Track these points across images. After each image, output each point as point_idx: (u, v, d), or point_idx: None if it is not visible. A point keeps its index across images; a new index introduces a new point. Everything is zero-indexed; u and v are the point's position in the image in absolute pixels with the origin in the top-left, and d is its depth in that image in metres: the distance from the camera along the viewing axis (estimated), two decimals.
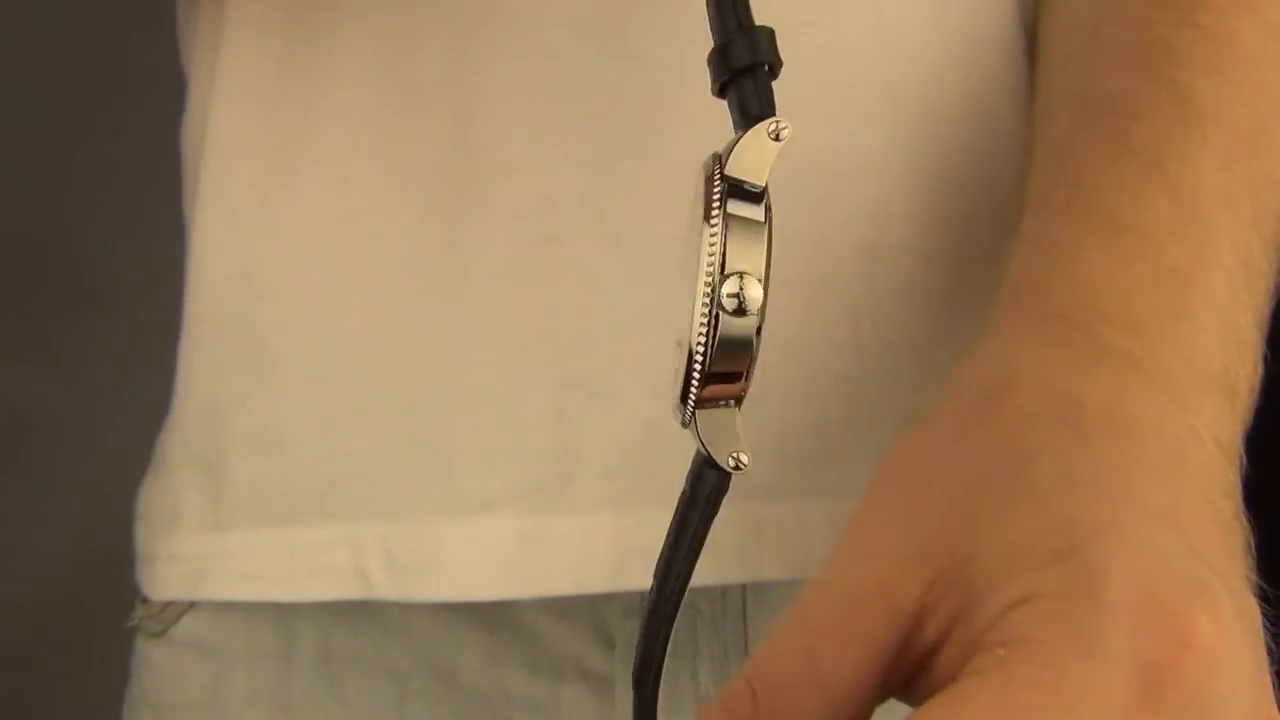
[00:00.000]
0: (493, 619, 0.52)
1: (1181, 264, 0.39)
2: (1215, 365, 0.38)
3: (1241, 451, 0.38)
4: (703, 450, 0.32)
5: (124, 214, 1.12)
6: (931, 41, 0.50)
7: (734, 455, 0.32)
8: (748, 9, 0.32)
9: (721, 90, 0.32)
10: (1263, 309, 0.41)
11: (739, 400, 0.32)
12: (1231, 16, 0.43)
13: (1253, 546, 0.35)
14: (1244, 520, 0.36)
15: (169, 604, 0.54)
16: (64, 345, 1.26)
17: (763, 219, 0.31)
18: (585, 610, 0.51)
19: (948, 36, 0.50)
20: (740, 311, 0.31)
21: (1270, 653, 0.31)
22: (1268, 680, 0.32)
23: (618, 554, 0.49)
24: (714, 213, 0.31)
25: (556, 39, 0.48)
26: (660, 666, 0.35)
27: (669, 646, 0.35)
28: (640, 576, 0.50)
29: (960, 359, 0.39)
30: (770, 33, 0.32)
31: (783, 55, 0.32)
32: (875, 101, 0.49)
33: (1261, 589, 0.33)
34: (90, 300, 1.25)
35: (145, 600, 0.55)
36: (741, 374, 0.31)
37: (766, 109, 0.31)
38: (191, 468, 0.53)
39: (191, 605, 0.54)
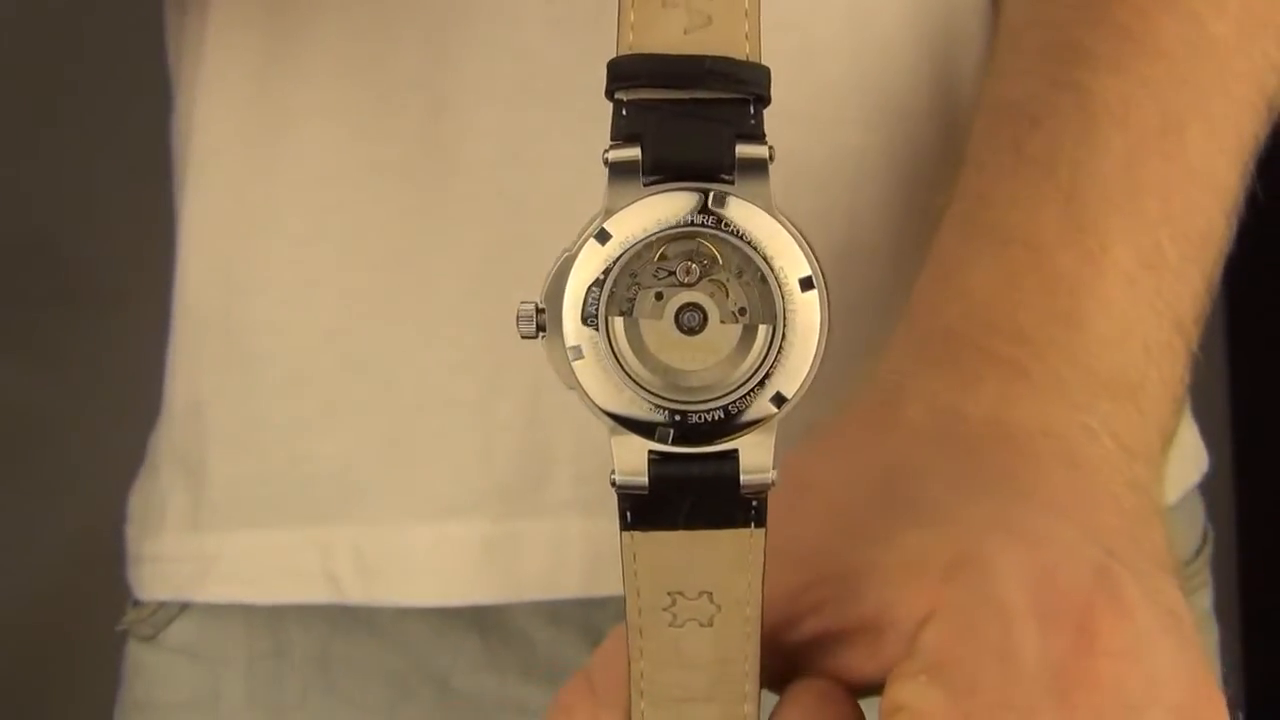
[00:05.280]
0: (485, 623, 0.52)
1: (1071, 272, 0.38)
2: (1111, 367, 0.38)
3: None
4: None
5: (123, 214, 1.12)
6: (907, 40, 0.49)
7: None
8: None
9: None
10: (1188, 306, 0.40)
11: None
12: (1154, 10, 0.42)
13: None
14: (1162, 513, 0.36)
15: (160, 607, 0.54)
16: (64, 345, 1.26)
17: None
18: (578, 615, 0.51)
19: (923, 34, 0.49)
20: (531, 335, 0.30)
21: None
22: (1202, 656, 0.31)
23: (589, 559, 0.49)
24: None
25: (533, 39, 0.48)
26: None
27: None
28: (611, 582, 0.49)
29: (861, 378, 0.39)
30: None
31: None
32: (850, 101, 0.49)
33: None
34: (90, 300, 1.26)
35: (137, 603, 0.55)
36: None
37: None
38: (176, 468, 0.53)
39: (182, 609, 0.53)
